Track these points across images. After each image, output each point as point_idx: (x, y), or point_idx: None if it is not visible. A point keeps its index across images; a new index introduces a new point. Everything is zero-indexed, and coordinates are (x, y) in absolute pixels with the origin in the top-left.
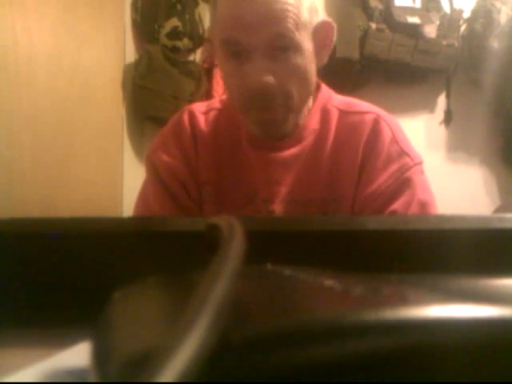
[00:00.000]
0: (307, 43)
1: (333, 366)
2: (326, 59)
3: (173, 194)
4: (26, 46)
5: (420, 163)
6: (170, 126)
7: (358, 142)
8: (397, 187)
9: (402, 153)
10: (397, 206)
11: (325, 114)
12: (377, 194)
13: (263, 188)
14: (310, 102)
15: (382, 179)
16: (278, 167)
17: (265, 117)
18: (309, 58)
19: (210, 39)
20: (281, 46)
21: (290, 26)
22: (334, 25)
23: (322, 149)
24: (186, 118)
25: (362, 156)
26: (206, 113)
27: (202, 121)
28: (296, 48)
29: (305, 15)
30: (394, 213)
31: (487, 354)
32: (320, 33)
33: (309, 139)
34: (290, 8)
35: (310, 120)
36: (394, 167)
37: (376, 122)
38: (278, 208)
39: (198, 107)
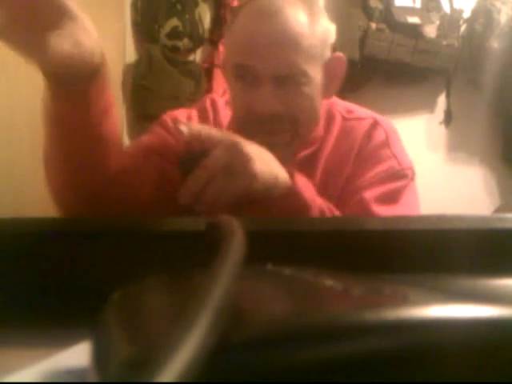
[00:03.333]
0: (317, 75)
1: (333, 366)
2: (333, 93)
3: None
4: None
5: (408, 169)
6: (193, 107)
7: (351, 147)
8: (378, 183)
9: (392, 156)
10: (374, 193)
11: (329, 119)
12: (358, 189)
13: None
14: None
15: (368, 176)
16: None
17: (270, 140)
18: (317, 89)
19: (210, 36)
20: (291, 75)
21: (303, 56)
22: (345, 59)
23: (322, 153)
24: (208, 104)
25: (354, 158)
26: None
27: (223, 115)
28: (306, 78)
29: (317, 47)
30: (363, 198)
31: (487, 354)
32: (331, 66)
33: (314, 146)
34: (303, 39)
35: (317, 128)
36: (380, 168)
37: (372, 127)
38: None
39: (219, 99)
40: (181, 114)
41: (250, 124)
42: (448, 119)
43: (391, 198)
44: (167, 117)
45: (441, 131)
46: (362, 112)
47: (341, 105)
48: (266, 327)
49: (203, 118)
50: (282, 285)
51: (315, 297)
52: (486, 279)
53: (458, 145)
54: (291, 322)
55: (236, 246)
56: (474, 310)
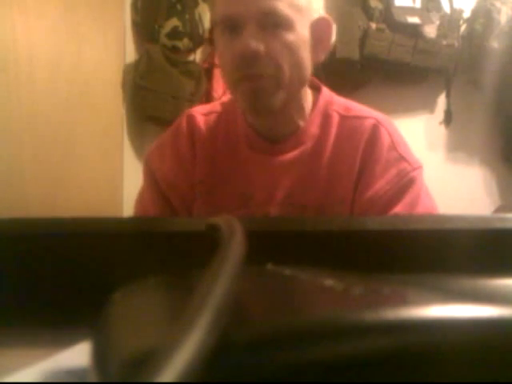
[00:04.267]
0: (302, 28)
1: (333, 366)
2: (322, 56)
3: (167, 199)
4: (25, 45)
5: (419, 168)
6: (170, 129)
7: (356, 148)
8: (396, 192)
9: (401, 158)
10: (398, 210)
11: (325, 119)
12: (375, 199)
13: (259, 191)
14: (310, 102)
15: (381, 184)
16: (275, 171)
17: (254, 86)
18: (303, 42)
19: (210, 36)
20: (272, 21)
21: (284, 3)
22: (332, 22)
23: (321, 154)
24: (184, 120)
25: (361, 162)
26: (206, 114)
27: (201, 122)
28: (288, 26)
29: (301, 0)
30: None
31: (487, 354)
32: (318, 28)
33: (308, 144)
34: None
35: (311, 124)
36: (392, 173)
37: (375, 128)
38: (273, 211)
39: (199, 109)
40: (157, 148)
41: (235, 73)
42: (448, 119)
43: (415, 203)
44: (147, 161)
45: (441, 131)
46: (361, 110)
47: (338, 103)
48: (267, 327)
49: (176, 143)
50: (282, 285)
51: (315, 297)
52: (486, 279)
53: (457, 145)
54: (291, 322)
55: (236, 246)
56: (474, 310)
